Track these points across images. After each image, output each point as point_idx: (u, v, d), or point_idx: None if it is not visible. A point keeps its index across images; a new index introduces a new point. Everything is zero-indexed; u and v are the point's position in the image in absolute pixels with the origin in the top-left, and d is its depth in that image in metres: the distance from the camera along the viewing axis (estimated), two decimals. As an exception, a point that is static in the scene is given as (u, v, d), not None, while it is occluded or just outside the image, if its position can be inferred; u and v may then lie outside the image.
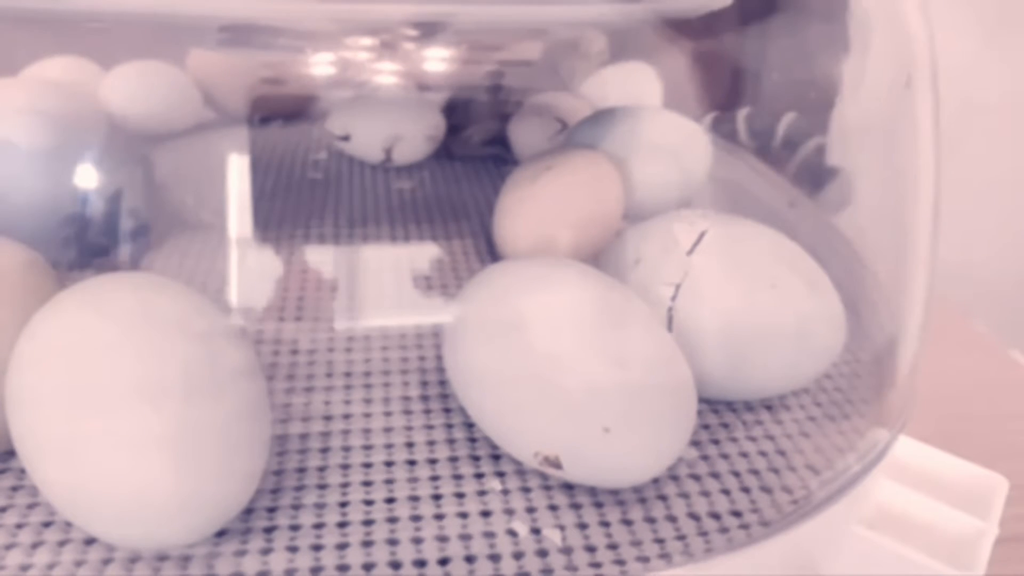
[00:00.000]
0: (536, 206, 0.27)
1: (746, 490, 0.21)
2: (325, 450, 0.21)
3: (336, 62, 0.24)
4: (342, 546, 0.19)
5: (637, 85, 0.35)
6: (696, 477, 0.21)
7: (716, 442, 0.22)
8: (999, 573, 0.22)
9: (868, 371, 0.26)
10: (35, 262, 0.20)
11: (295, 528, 0.19)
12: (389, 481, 0.20)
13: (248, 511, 0.19)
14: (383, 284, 0.27)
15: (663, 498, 0.20)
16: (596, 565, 0.18)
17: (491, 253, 0.29)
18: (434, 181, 0.34)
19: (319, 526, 0.19)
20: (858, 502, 0.22)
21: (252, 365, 0.19)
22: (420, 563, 0.18)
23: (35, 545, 0.18)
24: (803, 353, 0.23)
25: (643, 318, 0.21)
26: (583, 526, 0.19)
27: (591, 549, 0.19)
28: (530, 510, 0.20)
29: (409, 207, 0.32)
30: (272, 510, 0.19)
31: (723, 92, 0.32)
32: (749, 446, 0.22)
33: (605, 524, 0.20)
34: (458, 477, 0.20)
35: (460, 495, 0.20)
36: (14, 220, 0.26)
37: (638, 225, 0.25)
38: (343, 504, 0.20)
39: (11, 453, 0.18)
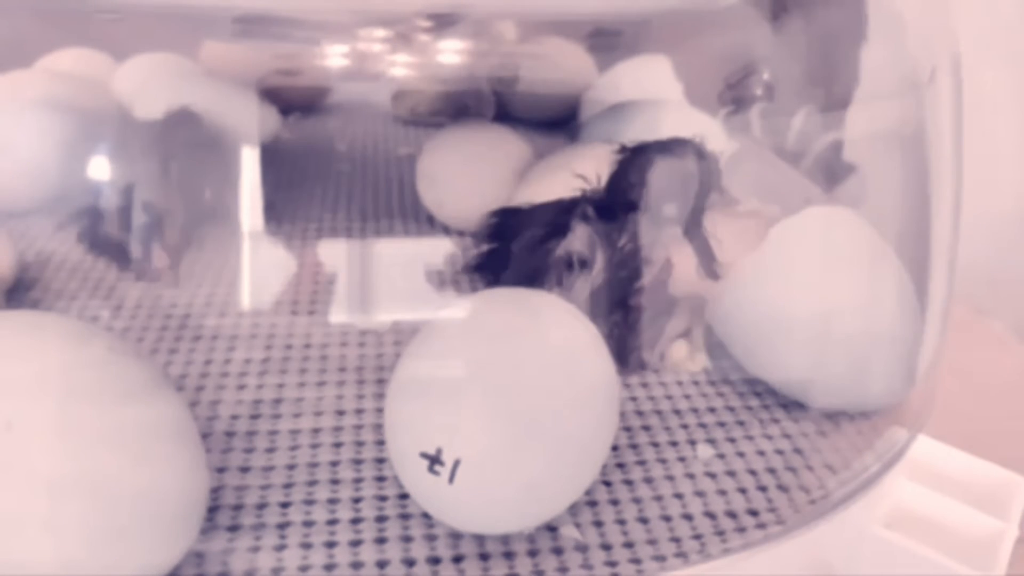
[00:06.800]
0: None
1: (763, 489, 0.21)
2: (338, 445, 0.21)
3: (350, 53, 0.24)
4: (355, 543, 0.18)
5: (652, 79, 0.34)
6: (712, 475, 0.21)
7: (732, 440, 0.22)
8: (1018, 574, 0.22)
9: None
10: None
11: (308, 524, 0.19)
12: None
13: (260, 506, 0.19)
14: (396, 278, 0.27)
15: (679, 496, 0.20)
16: (612, 564, 0.18)
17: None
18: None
19: (332, 522, 0.19)
20: (876, 502, 0.22)
21: (157, 381, 0.18)
22: (434, 560, 0.18)
23: None
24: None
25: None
26: (599, 524, 0.19)
27: (607, 547, 0.19)
28: (545, 507, 0.20)
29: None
30: (285, 505, 0.19)
31: (738, 86, 0.32)
32: (766, 444, 0.22)
33: (621, 522, 0.19)
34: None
35: (474, 492, 0.20)
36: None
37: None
38: (356, 500, 0.19)
39: None
